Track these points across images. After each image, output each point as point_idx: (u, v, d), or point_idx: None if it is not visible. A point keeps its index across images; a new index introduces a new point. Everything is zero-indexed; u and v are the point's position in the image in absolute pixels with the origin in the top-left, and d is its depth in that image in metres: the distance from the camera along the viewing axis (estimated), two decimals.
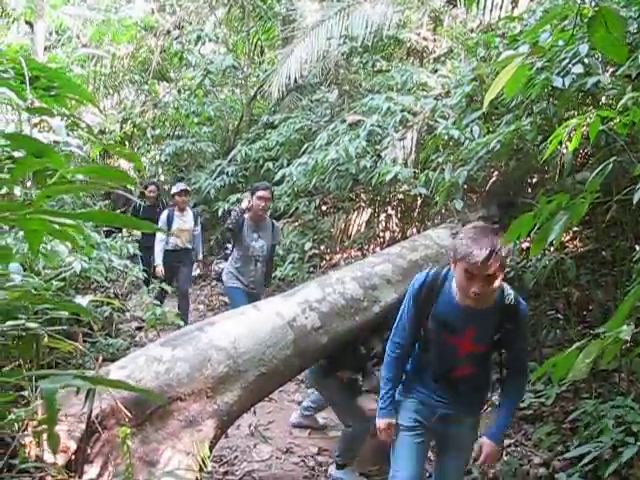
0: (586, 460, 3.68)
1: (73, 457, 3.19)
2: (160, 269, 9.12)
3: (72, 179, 1.32)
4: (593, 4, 2.45)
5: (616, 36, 2.20)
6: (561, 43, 4.32)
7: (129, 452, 3.18)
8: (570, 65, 4.29)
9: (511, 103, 5.47)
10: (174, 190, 9.43)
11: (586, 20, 2.26)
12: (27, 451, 2.97)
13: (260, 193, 6.96)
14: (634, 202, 2.77)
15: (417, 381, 3.57)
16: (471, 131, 5.98)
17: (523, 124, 4.94)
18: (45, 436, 2.98)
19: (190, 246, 9.49)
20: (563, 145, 3.87)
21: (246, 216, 7.05)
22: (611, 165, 2.66)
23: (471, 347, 3.30)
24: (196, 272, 10.36)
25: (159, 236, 9.18)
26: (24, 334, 2.69)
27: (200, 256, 9.91)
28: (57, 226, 1.31)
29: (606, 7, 2.18)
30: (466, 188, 6.55)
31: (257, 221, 7.14)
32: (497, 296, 3.19)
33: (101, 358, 3.61)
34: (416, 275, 3.49)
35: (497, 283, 3.03)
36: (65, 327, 4.56)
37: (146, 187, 10.82)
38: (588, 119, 2.94)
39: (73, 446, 3.20)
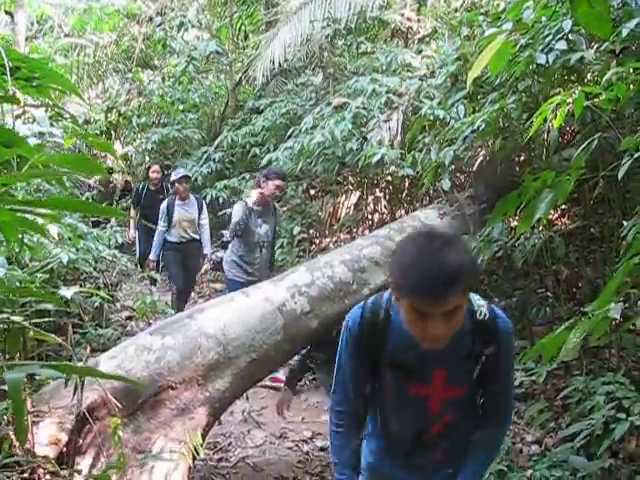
0: (578, 438, 3.69)
1: (65, 449, 3.18)
2: (153, 265, 8.80)
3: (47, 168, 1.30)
4: None
5: (599, 11, 2.17)
6: (544, 19, 4.29)
7: (120, 442, 3.17)
8: (554, 41, 4.27)
9: (495, 81, 5.46)
10: (174, 177, 8.64)
11: None
12: (14, 444, 2.95)
13: (278, 182, 6.71)
14: (619, 177, 2.76)
15: (383, 462, 2.62)
16: (457, 111, 5.96)
17: (508, 102, 4.93)
18: (33, 429, 2.97)
19: (197, 237, 8.77)
20: (548, 122, 3.84)
21: (251, 204, 6.74)
22: (596, 142, 2.65)
23: (445, 393, 2.34)
24: (204, 267, 9.65)
25: (159, 227, 8.59)
26: (10, 328, 2.67)
27: (208, 249, 8.84)
28: (29, 216, 1.28)
29: None
30: (453, 168, 6.54)
31: (263, 207, 6.91)
32: (465, 313, 2.12)
33: (89, 348, 3.58)
34: (349, 313, 2.44)
35: (461, 315, 2.07)
36: (54, 319, 4.55)
37: (149, 168, 10.31)
38: (573, 95, 2.91)
39: (64, 438, 3.19)
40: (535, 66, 4.76)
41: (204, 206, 9.00)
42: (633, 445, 3.74)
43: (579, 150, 2.63)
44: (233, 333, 4.18)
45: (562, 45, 4.22)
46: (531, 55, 4.31)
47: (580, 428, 3.66)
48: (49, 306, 2.90)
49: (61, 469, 3.02)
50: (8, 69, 1.76)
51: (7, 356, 3.56)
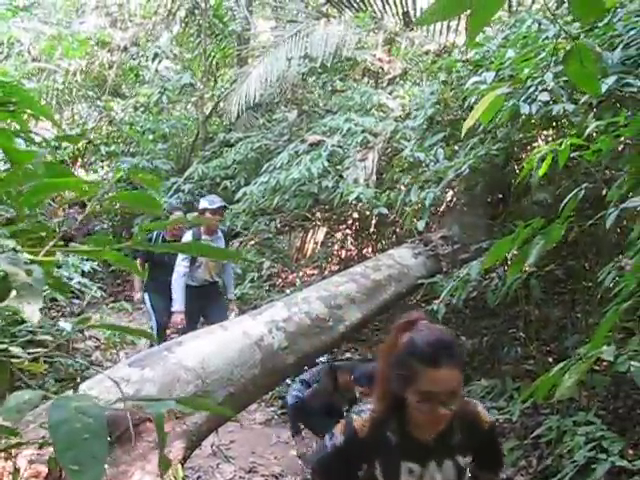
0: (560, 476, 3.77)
1: None
2: (181, 318, 6.71)
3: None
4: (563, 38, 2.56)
5: (590, 70, 2.29)
6: (525, 71, 4.45)
7: None
8: (536, 92, 4.43)
9: (476, 127, 5.63)
10: (207, 205, 6.91)
11: (562, 54, 2.36)
12: None
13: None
14: (607, 226, 2.88)
15: None
16: (435, 153, 6.11)
17: (492, 149, 5.09)
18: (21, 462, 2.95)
19: (218, 279, 7.35)
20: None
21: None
22: (583, 192, 2.76)
23: None
24: (232, 314, 7.10)
25: (180, 270, 6.78)
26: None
27: (232, 294, 7.54)
28: None
29: (582, 42, 2.28)
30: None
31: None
32: None
33: (79, 379, 3.57)
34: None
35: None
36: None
37: (170, 213, 7.50)
38: (559, 147, 3.04)
39: (44, 470, 3.17)
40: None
41: (229, 241, 7.81)
42: None
43: (567, 199, 2.75)
44: (212, 366, 4.18)
45: (545, 97, 4.39)
46: (515, 105, 4.47)
47: (566, 471, 3.72)
48: (48, 337, 2.90)
49: None
50: None
51: None
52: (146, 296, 7.36)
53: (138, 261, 6.97)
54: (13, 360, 2.88)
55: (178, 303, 6.69)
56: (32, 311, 1.07)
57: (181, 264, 6.77)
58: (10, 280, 1.05)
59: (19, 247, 1.23)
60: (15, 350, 2.41)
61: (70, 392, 3.86)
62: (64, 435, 0.97)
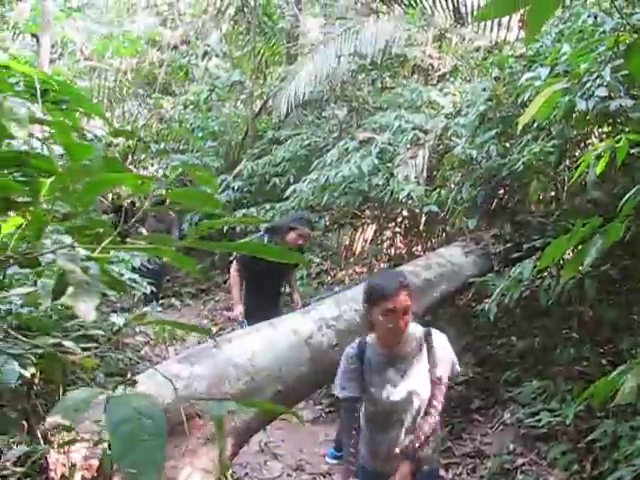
0: None
1: (96, 475, 3.19)
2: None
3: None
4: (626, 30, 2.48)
5: None
6: (583, 66, 4.34)
7: None
8: (594, 88, 4.33)
9: (531, 123, 5.53)
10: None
11: (623, 48, 2.29)
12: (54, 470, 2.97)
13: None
14: None
15: None
16: (487, 150, 6.02)
17: (546, 146, 4.99)
18: (75, 456, 2.98)
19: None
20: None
21: None
22: None
23: None
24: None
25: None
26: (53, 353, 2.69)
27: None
28: None
29: None
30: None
31: None
32: None
33: (129, 374, 3.59)
34: None
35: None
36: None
37: (291, 228, 6.25)
38: (616, 143, 2.96)
39: (96, 464, 3.20)
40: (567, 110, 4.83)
41: None
42: None
43: (627, 197, 2.66)
44: (261, 364, 4.17)
45: (602, 92, 4.28)
46: (571, 101, 4.37)
47: (621, 474, 3.63)
48: (100, 332, 2.93)
49: None
50: (39, 92, 1.79)
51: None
52: (245, 321, 6.18)
53: (234, 266, 6.44)
54: (66, 354, 2.92)
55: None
56: (87, 309, 1.06)
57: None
58: (67, 277, 1.05)
59: (76, 243, 1.23)
60: (68, 344, 2.44)
61: (123, 388, 3.90)
62: (123, 436, 0.96)
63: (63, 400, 1.08)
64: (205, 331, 1.84)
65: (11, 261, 1.34)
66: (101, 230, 1.32)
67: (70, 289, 1.04)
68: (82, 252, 1.19)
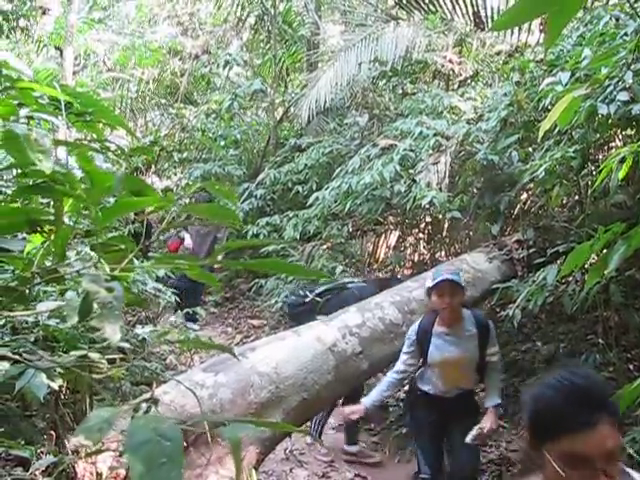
0: None
1: None
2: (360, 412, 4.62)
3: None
4: None
5: None
6: (604, 70, 4.32)
7: None
8: (615, 92, 4.30)
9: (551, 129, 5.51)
10: (430, 283, 4.58)
11: None
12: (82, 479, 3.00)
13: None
14: None
15: None
16: (509, 156, 6.00)
17: (568, 151, 4.96)
18: (102, 466, 3.02)
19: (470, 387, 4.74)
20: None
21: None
22: None
23: None
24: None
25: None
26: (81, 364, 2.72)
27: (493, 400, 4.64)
28: None
29: None
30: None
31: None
32: None
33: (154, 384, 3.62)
34: None
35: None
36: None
37: (393, 278, 6.02)
38: (639, 148, 2.94)
39: (122, 472, 3.24)
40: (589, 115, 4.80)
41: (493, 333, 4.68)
42: None
43: None
44: (285, 372, 4.19)
45: (624, 96, 4.26)
46: (592, 105, 4.35)
47: None
48: (126, 345, 2.96)
49: None
50: (63, 104, 1.81)
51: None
52: None
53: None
54: (93, 366, 2.95)
55: (371, 399, 4.61)
56: (113, 330, 1.08)
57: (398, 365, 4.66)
58: (91, 298, 1.07)
59: (100, 260, 1.25)
60: (94, 356, 2.47)
61: (146, 395, 3.93)
62: (142, 458, 0.98)
63: (86, 420, 1.10)
64: (226, 348, 1.85)
65: (37, 279, 1.36)
66: (123, 246, 1.34)
67: (95, 307, 1.07)
68: (105, 270, 1.22)
